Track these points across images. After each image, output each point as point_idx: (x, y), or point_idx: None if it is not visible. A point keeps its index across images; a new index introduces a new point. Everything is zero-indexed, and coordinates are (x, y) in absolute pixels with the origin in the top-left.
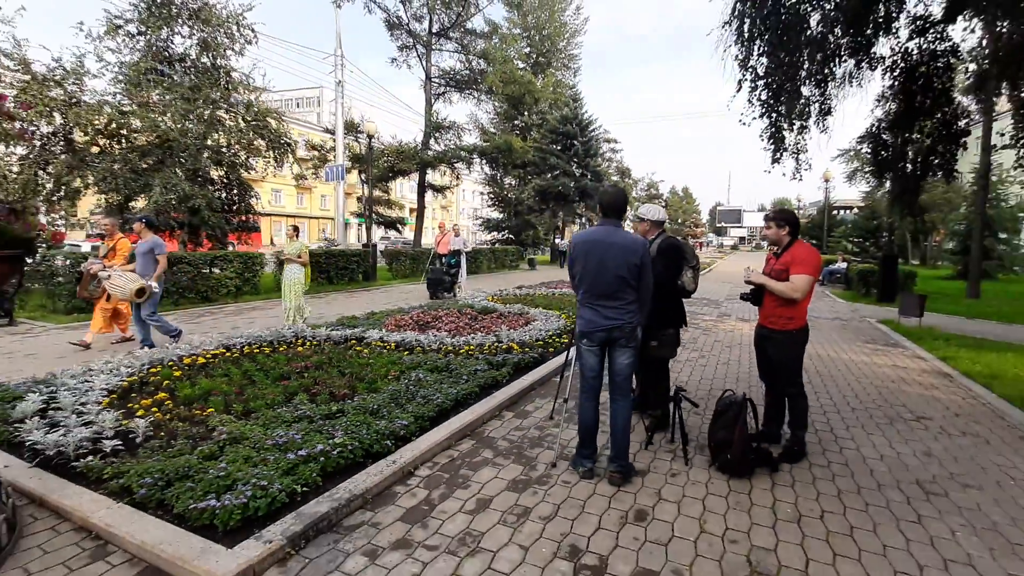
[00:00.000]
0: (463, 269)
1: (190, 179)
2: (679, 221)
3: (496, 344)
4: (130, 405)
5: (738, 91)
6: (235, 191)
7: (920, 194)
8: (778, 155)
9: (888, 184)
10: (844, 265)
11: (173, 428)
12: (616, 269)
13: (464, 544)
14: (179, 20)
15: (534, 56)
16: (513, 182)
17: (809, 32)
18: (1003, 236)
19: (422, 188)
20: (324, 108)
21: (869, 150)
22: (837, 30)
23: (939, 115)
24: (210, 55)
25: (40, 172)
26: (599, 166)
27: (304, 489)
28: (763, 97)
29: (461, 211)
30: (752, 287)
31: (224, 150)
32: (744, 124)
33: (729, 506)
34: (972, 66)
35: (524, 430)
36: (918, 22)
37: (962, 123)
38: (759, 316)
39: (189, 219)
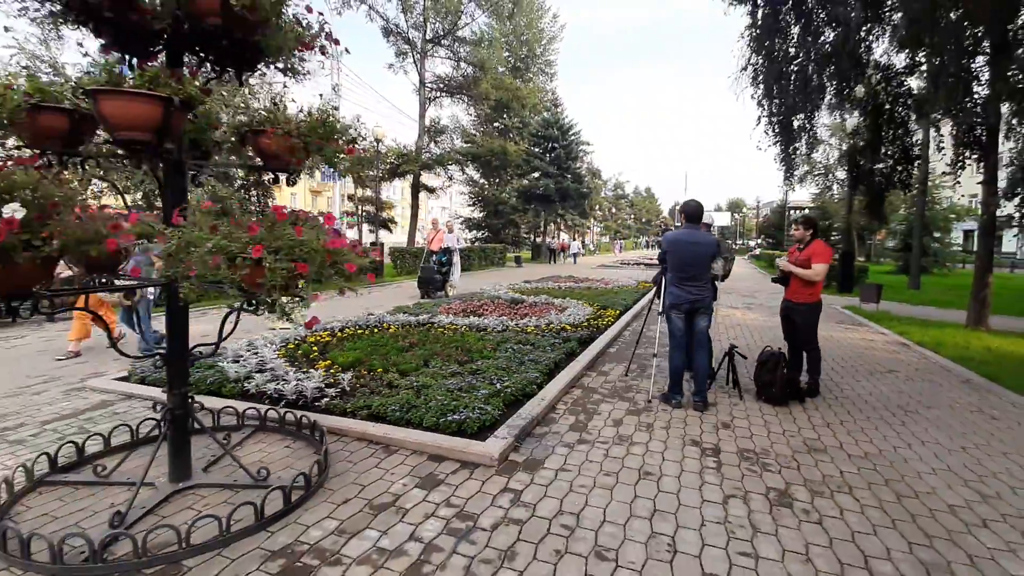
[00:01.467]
0: (456, 268)
1: (219, 180)
2: (643, 220)
3: (550, 325)
4: (305, 369)
5: (757, 125)
6: (256, 191)
7: (884, 203)
8: (790, 175)
9: (859, 194)
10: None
11: (363, 382)
12: (697, 259)
13: (622, 441)
14: None
15: (512, 61)
16: (491, 183)
17: (807, 79)
18: (937, 235)
19: (416, 189)
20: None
21: (846, 168)
22: (826, 78)
23: (899, 143)
24: None
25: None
26: (579, 169)
27: (498, 413)
28: (776, 130)
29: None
30: (782, 273)
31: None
32: (760, 150)
33: (780, 420)
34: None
35: (612, 383)
36: (885, 72)
37: (916, 150)
38: (785, 294)
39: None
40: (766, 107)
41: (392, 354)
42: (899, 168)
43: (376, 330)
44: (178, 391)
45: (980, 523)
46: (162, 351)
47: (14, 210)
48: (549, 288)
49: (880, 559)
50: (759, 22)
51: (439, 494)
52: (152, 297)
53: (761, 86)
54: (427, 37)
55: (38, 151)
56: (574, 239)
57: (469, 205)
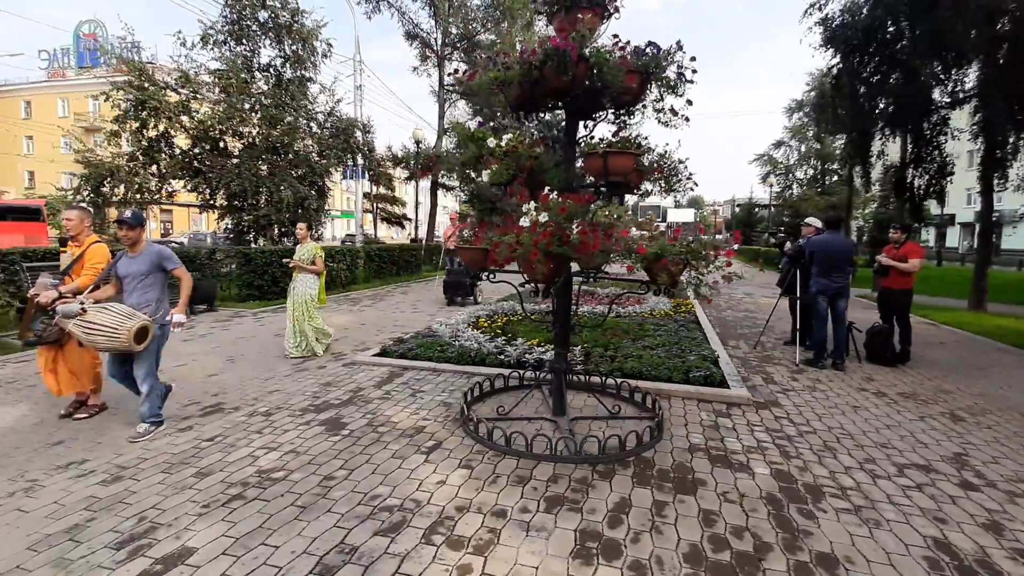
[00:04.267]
0: None
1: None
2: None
3: (653, 311)
4: (527, 344)
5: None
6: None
7: (923, 210)
8: (867, 182)
9: (900, 201)
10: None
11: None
12: (840, 256)
13: (814, 388)
14: (268, 34)
15: None
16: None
17: (872, 111)
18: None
19: (435, 187)
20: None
21: (893, 181)
22: (886, 108)
23: (936, 161)
24: (293, 67)
25: (142, 171)
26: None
27: (718, 371)
28: (850, 150)
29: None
30: (881, 266)
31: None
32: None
33: (902, 375)
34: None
35: (751, 354)
36: (930, 106)
37: (950, 167)
38: (883, 283)
39: (292, 217)
40: (844, 127)
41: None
42: (933, 182)
43: (516, 318)
44: (561, 351)
45: None
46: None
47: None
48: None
49: None
50: (843, 65)
51: (742, 419)
52: (166, 334)
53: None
54: (446, 41)
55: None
56: None
57: (465, 201)
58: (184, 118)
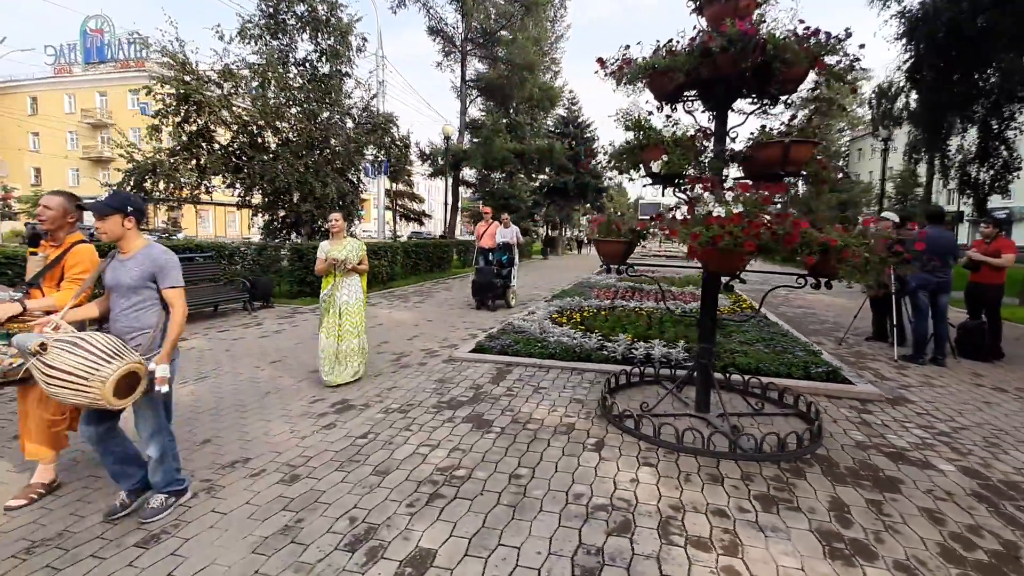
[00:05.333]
0: (515, 270)
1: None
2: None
3: (723, 308)
4: (611, 338)
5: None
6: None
7: (987, 203)
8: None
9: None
10: None
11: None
12: (942, 250)
13: (930, 384)
14: (306, 28)
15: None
16: (498, 176)
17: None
18: None
19: (456, 183)
20: None
21: (956, 177)
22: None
23: (1001, 157)
24: (330, 61)
25: (182, 166)
26: (596, 164)
27: (829, 366)
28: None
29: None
30: (972, 261)
31: (340, 150)
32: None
33: (1004, 369)
34: None
35: (840, 350)
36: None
37: (1015, 162)
38: (971, 278)
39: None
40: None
41: (646, 329)
42: (999, 176)
43: (585, 313)
44: (706, 345)
45: None
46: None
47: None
48: (656, 277)
49: None
50: (922, 57)
51: (884, 415)
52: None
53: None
54: (468, 36)
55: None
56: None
57: (475, 199)
58: (225, 112)
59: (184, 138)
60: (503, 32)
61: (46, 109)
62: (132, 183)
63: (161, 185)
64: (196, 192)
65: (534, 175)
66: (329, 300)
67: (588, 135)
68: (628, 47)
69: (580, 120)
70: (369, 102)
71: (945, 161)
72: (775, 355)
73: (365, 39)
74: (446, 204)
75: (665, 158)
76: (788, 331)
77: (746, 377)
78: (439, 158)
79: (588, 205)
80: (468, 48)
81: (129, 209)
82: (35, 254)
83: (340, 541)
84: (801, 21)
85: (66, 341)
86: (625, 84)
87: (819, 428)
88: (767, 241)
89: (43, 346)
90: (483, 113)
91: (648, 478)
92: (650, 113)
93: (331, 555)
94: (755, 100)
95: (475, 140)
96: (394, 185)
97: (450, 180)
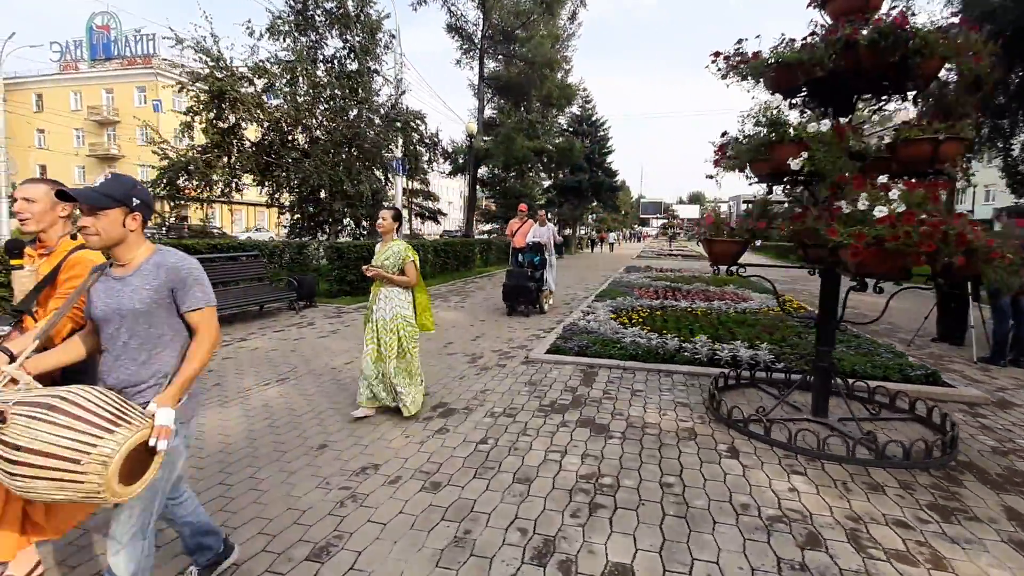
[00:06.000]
0: (551, 272)
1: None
2: (623, 213)
3: (774, 308)
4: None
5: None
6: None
7: None
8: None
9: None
10: None
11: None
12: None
13: (1021, 384)
14: (334, 24)
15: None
16: (509, 174)
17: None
18: None
19: (474, 181)
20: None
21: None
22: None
23: None
24: (359, 58)
25: (214, 163)
26: (610, 163)
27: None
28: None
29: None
30: None
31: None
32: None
33: None
34: None
35: (910, 351)
36: None
37: None
38: None
39: (368, 212)
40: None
41: (710, 330)
42: None
43: (642, 312)
44: (825, 348)
45: None
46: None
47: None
48: (687, 276)
49: None
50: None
51: (1002, 419)
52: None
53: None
54: (486, 34)
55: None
56: (610, 231)
57: (488, 197)
58: (257, 110)
59: (216, 135)
60: (519, 32)
61: (52, 106)
62: (166, 181)
63: (194, 183)
64: (227, 190)
65: (553, 174)
66: (369, 313)
67: (602, 133)
68: (741, 41)
69: (594, 118)
70: (397, 99)
71: (1008, 159)
72: (863, 357)
73: (392, 36)
74: (471, 202)
75: (805, 155)
76: (859, 332)
77: (851, 381)
78: (460, 156)
79: (601, 204)
80: (486, 46)
81: (135, 202)
82: (18, 268)
83: (524, 555)
84: (914, 14)
85: (36, 404)
86: (742, 79)
87: (955, 434)
88: (944, 244)
89: (1, 416)
90: (495, 112)
91: (805, 487)
92: (777, 108)
93: (521, 569)
94: (882, 97)
95: (490, 138)
96: (410, 183)
97: (467, 178)
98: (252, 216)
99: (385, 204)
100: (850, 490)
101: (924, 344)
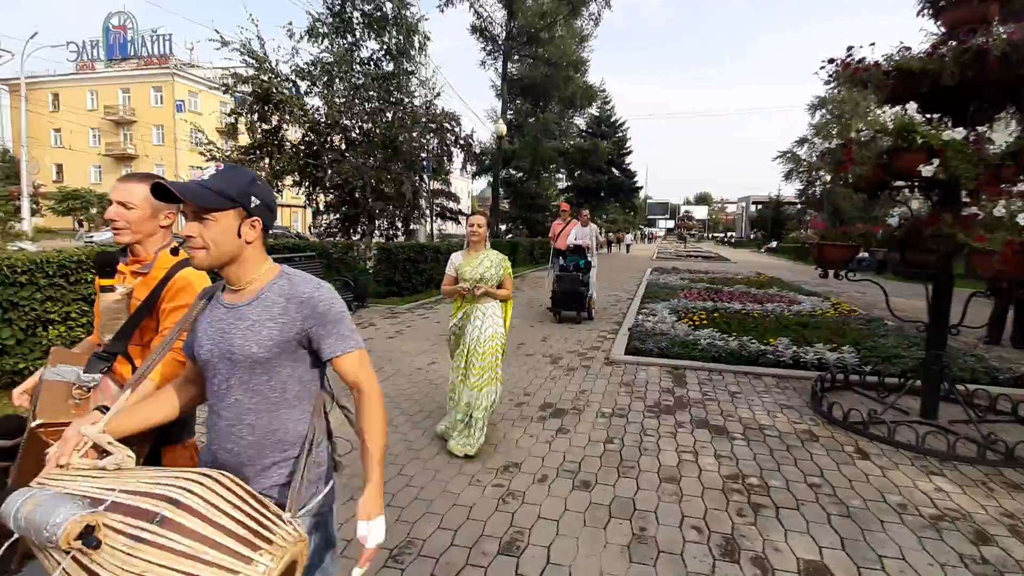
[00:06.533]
0: (592, 276)
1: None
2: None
3: (827, 312)
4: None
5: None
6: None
7: None
8: None
9: None
10: (866, 255)
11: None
12: None
13: None
14: (372, 26)
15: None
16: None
17: None
18: None
19: (497, 183)
20: None
21: None
22: None
23: None
24: (395, 60)
25: (254, 165)
26: (628, 164)
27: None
28: None
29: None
30: None
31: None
32: None
33: None
34: None
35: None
36: None
37: None
38: None
39: (406, 213)
40: None
41: (777, 332)
42: None
43: (701, 315)
44: (938, 352)
45: None
46: None
47: None
48: (721, 278)
49: None
50: None
51: None
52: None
53: None
54: (511, 34)
55: None
56: (627, 232)
57: (505, 199)
58: (298, 111)
59: (260, 136)
60: (543, 33)
61: (68, 105)
62: None
63: None
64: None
65: (576, 174)
66: (458, 333)
67: (620, 134)
68: (852, 48)
69: (613, 119)
70: (431, 100)
71: None
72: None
73: (427, 37)
74: (491, 203)
75: (936, 162)
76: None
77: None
78: (486, 158)
79: (619, 205)
80: (510, 47)
81: (253, 202)
82: (110, 289)
83: (712, 552)
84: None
85: (137, 513)
86: (857, 85)
87: None
88: None
89: (90, 535)
90: (512, 113)
91: (950, 487)
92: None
93: (717, 565)
94: (1000, 106)
95: (517, 139)
96: (432, 183)
97: (486, 179)
98: (288, 217)
99: (479, 208)
100: (992, 489)
101: (975, 345)
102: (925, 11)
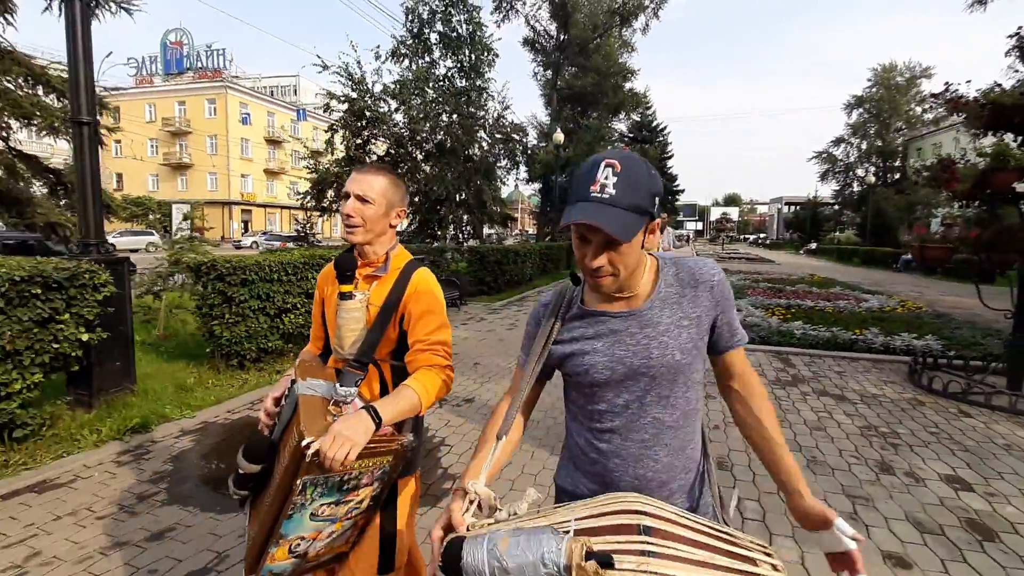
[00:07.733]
0: None
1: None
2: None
3: (895, 309)
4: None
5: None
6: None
7: None
8: None
9: None
10: (909, 256)
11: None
12: None
13: None
14: (449, 46)
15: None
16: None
17: None
18: None
19: (556, 189)
20: (301, 97)
21: None
22: None
23: None
24: (469, 78)
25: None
26: (669, 168)
27: None
28: None
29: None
30: None
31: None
32: None
33: None
34: None
35: None
36: None
37: None
38: None
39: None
40: None
41: (857, 325)
42: None
43: (781, 310)
44: (1022, 334)
45: None
46: None
47: None
48: (777, 277)
49: None
50: None
51: None
52: None
53: None
54: (563, 46)
55: None
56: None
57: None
58: (385, 127)
59: (354, 150)
60: (593, 43)
61: (128, 116)
62: (315, 192)
63: (330, 194)
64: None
65: None
66: None
67: (660, 139)
68: (948, 84)
69: (655, 124)
70: (501, 113)
71: None
72: None
73: (497, 55)
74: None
75: None
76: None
77: None
78: (540, 165)
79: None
80: (561, 58)
81: (656, 202)
82: (348, 296)
83: (874, 468)
84: None
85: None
86: (954, 115)
87: None
88: None
89: (594, 555)
90: (548, 119)
91: None
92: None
93: (880, 476)
94: None
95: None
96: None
97: (538, 186)
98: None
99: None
100: None
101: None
102: (1012, 52)
